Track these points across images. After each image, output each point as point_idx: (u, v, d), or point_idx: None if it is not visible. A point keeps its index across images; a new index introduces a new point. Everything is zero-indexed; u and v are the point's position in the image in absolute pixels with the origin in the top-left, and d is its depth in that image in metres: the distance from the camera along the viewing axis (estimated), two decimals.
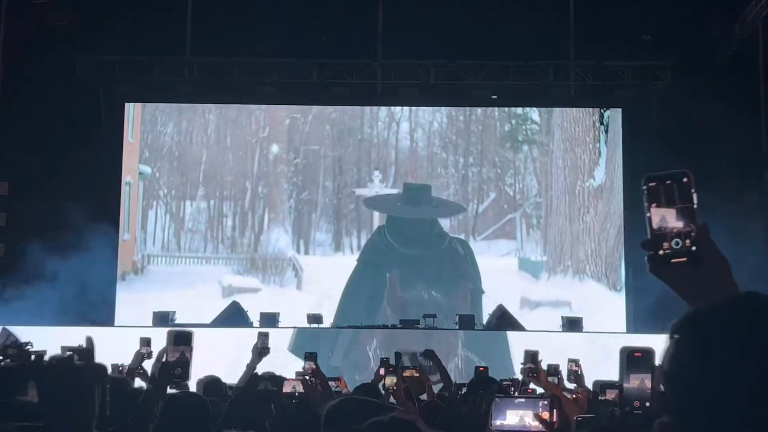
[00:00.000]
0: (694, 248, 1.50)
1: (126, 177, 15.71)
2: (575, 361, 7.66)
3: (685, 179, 1.53)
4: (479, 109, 16.27)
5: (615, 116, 15.81)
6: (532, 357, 6.51)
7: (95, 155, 14.98)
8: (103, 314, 14.51)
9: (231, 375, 7.16)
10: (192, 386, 6.49)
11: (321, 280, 15.52)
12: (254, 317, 13.82)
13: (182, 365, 3.68)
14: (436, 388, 7.75)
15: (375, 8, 14.75)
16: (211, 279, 15.56)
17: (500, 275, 15.44)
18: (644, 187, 1.55)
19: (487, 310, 14.81)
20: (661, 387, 1.35)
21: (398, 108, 16.22)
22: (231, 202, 16.07)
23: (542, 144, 16.02)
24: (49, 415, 1.88)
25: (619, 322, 14.95)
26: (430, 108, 16.19)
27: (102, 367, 2.00)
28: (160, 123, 16.25)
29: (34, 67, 14.33)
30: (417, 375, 7.38)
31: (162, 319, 13.50)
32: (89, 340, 2.04)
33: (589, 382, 7.31)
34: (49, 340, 8.13)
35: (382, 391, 6.26)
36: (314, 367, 7.10)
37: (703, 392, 1.28)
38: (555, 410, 3.70)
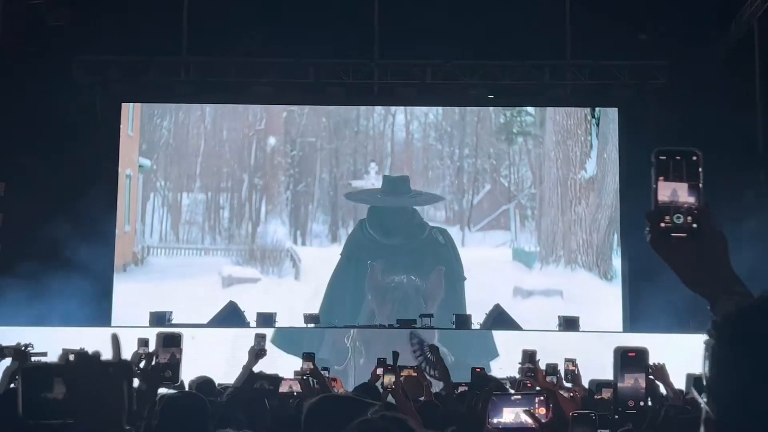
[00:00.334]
0: (695, 225, 1.52)
1: (126, 170, 15.90)
2: (572, 361, 7.69)
3: (694, 157, 1.57)
4: None
5: (606, 110, 15.98)
6: (530, 357, 6.53)
7: (92, 156, 15.00)
8: (100, 313, 14.52)
9: (228, 375, 7.17)
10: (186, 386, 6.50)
11: (319, 271, 15.69)
12: (251, 317, 13.83)
13: (172, 368, 3.71)
14: (436, 385, 7.77)
15: (371, 8, 14.75)
16: (211, 270, 15.72)
17: (494, 265, 15.63)
18: (654, 160, 1.57)
19: (476, 299, 15.03)
20: (702, 394, 1.34)
21: None
22: (228, 194, 16.23)
23: (537, 136, 16.24)
24: (79, 412, 1.90)
25: (612, 312, 15.08)
26: None
27: (128, 363, 2.02)
28: (157, 116, 16.38)
29: (30, 67, 14.33)
30: (414, 375, 7.39)
31: (159, 319, 13.49)
32: (115, 338, 2.05)
33: (585, 378, 7.34)
34: (48, 341, 8.12)
35: (380, 391, 6.27)
36: (312, 367, 7.12)
37: (747, 397, 1.26)
38: (551, 405, 3.71)
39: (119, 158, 15.75)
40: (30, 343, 6.94)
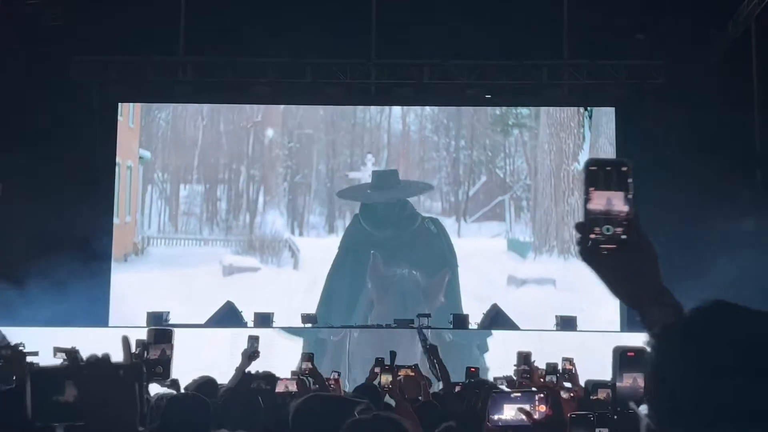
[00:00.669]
0: (624, 236, 1.50)
1: (127, 161, 16.12)
2: (569, 360, 7.67)
3: (624, 168, 1.56)
4: None
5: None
6: (525, 358, 6.51)
7: (90, 155, 14.99)
8: (98, 311, 14.53)
9: (225, 376, 7.15)
10: (184, 387, 6.49)
11: (317, 261, 15.93)
12: (249, 317, 13.85)
13: (163, 364, 3.71)
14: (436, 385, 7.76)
15: (368, 8, 14.74)
16: (212, 259, 15.97)
17: (489, 255, 15.86)
18: (584, 171, 1.57)
19: (471, 288, 15.33)
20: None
21: None
22: (226, 186, 16.43)
23: (532, 128, 16.51)
24: (91, 415, 1.89)
25: (605, 301, 15.14)
26: None
27: (138, 365, 2.01)
28: (155, 108, 16.53)
29: (26, 67, 14.31)
30: (412, 374, 7.37)
31: (156, 319, 13.49)
32: (125, 340, 2.05)
33: (582, 377, 7.32)
34: (48, 341, 8.10)
35: (380, 390, 6.26)
36: (311, 367, 7.11)
37: (683, 400, 1.26)
38: (550, 402, 3.71)
39: (118, 152, 15.91)
40: (21, 342, 6.91)
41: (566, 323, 13.73)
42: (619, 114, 15.95)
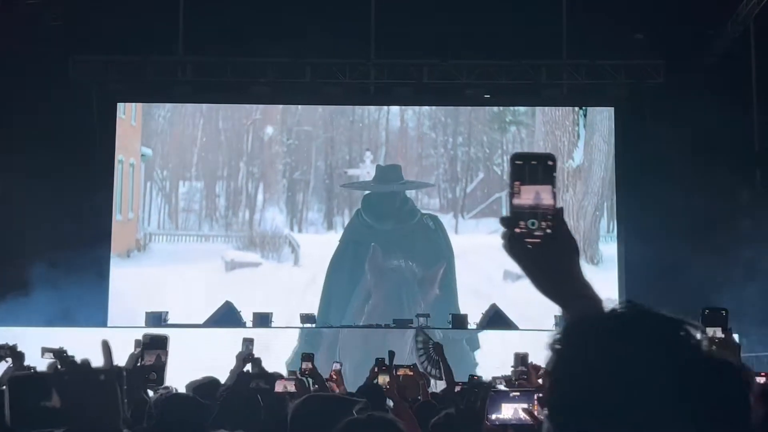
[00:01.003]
0: (548, 230, 1.51)
1: (130, 159, 16.28)
2: None
3: (550, 162, 1.56)
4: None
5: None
6: (522, 359, 6.50)
7: (89, 156, 14.99)
8: (97, 310, 14.53)
9: (223, 377, 7.14)
10: (182, 387, 6.47)
11: (316, 257, 16.11)
12: (247, 317, 13.86)
13: (157, 370, 3.68)
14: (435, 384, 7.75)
15: (367, 7, 14.73)
16: (214, 255, 16.14)
17: (486, 251, 15.88)
18: (510, 165, 1.56)
19: (468, 282, 15.53)
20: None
21: None
22: (225, 182, 16.57)
23: (529, 125, 16.70)
24: (72, 421, 1.87)
25: (607, 300, 15.31)
26: None
27: (120, 370, 2.00)
28: (156, 105, 16.63)
29: (26, 67, 14.31)
30: (411, 374, 7.37)
31: (155, 319, 13.49)
32: (105, 344, 2.03)
33: None
34: (46, 341, 8.09)
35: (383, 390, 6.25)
36: (311, 367, 7.10)
37: (582, 403, 1.22)
38: None
39: (121, 150, 16.06)
40: (15, 344, 6.89)
41: None
42: (618, 114, 15.96)
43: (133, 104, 16.30)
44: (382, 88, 15.60)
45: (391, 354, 7.84)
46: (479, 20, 14.41)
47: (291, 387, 6.21)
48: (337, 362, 8.80)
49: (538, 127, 16.51)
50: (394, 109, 16.69)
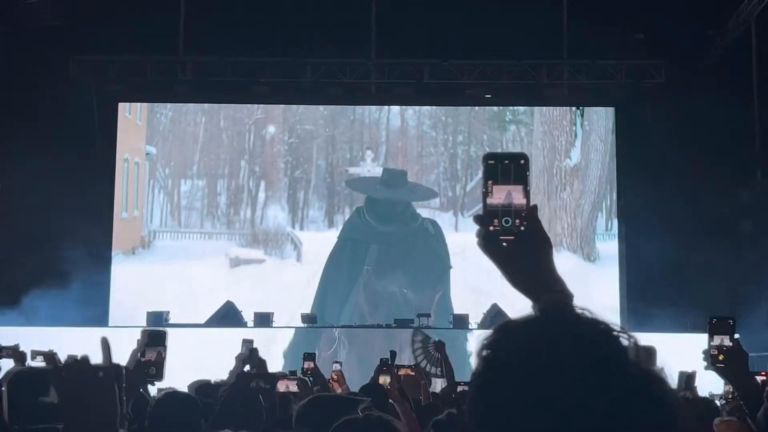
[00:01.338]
0: (522, 228, 1.55)
1: (135, 158, 16.40)
2: None
3: (522, 161, 1.58)
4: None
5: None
6: None
7: (89, 156, 15.00)
8: (98, 309, 14.54)
9: (224, 376, 7.14)
10: (184, 388, 6.47)
11: (318, 255, 16.19)
12: (248, 317, 13.87)
13: (157, 365, 3.70)
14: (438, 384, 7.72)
15: (368, 7, 14.74)
16: (218, 252, 16.27)
17: None
18: (483, 164, 1.59)
19: (467, 280, 15.47)
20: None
21: None
22: (227, 180, 16.65)
23: (528, 124, 16.77)
24: (70, 418, 1.87)
25: (600, 292, 15.29)
26: None
27: (119, 367, 1.99)
28: (157, 104, 16.67)
29: (26, 67, 14.31)
30: (413, 374, 7.35)
31: (156, 318, 13.49)
32: (104, 341, 2.02)
33: None
34: (49, 342, 8.10)
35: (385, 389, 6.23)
36: (313, 366, 7.08)
37: (504, 410, 1.19)
38: None
39: (126, 148, 16.14)
40: (17, 344, 6.88)
41: None
42: (618, 113, 15.96)
43: (139, 104, 16.36)
44: (383, 88, 15.61)
45: (393, 354, 7.83)
46: (480, 20, 14.40)
47: (293, 387, 6.19)
48: (337, 362, 8.78)
49: (536, 126, 16.60)
50: (395, 108, 16.77)
